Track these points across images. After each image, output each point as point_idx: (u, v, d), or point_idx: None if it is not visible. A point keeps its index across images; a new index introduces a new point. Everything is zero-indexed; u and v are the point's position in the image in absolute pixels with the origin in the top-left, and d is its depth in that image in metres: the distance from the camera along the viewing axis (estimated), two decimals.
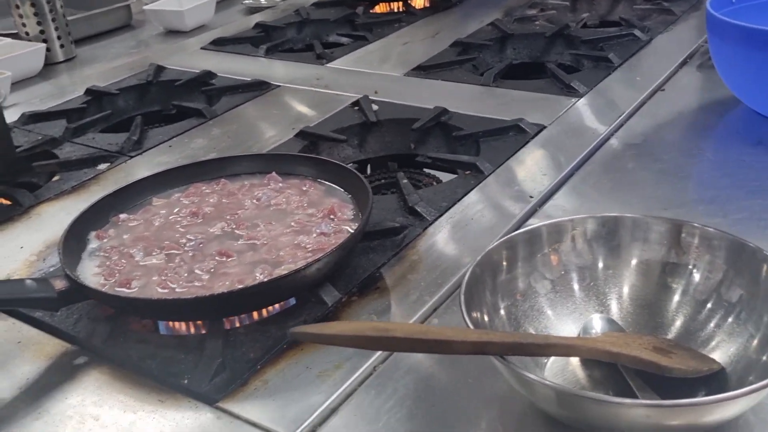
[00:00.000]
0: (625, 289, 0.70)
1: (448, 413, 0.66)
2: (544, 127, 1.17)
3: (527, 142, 1.13)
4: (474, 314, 0.64)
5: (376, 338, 0.51)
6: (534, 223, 0.93)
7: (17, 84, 1.57)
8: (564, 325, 0.70)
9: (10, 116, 1.38)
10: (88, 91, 1.49)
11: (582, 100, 1.26)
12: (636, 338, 0.66)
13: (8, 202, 1.13)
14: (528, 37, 1.59)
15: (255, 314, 0.81)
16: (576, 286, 0.71)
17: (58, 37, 1.75)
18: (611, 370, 0.66)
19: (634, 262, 0.71)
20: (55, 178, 1.17)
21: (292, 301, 0.82)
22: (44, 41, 1.71)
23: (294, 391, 0.70)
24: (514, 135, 1.15)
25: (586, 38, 1.52)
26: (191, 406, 0.70)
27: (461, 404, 0.67)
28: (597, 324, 0.71)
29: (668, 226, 0.71)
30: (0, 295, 0.74)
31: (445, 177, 1.21)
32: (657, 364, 0.60)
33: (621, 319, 0.70)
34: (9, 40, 1.72)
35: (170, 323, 0.82)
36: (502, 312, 0.68)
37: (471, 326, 0.61)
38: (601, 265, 0.71)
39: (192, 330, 0.81)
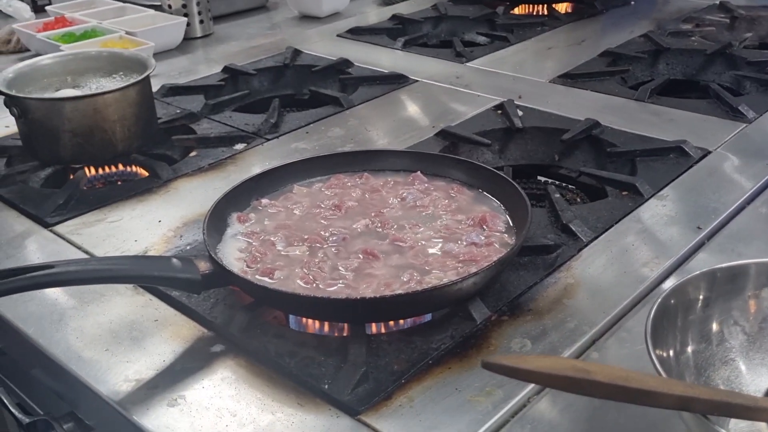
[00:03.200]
0: None
1: None
2: (709, 152, 1.08)
3: (691, 167, 1.04)
4: (659, 352, 0.57)
5: (576, 380, 0.45)
6: (704, 257, 0.85)
7: (156, 56, 1.58)
8: (753, 379, 0.62)
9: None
10: (226, 69, 1.48)
11: (750, 126, 1.16)
12: None
13: (146, 173, 1.12)
14: (684, 53, 1.48)
15: (393, 323, 0.76)
16: None
17: (199, 13, 1.76)
18: None
19: None
20: (192, 153, 1.16)
21: (429, 316, 0.77)
22: (185, 15, 1.72)
23: (441, 414, 0.65)
24: (676, 157, 1.06)
25: (751, 59, 1.41)
26: (332, 414, 0.65)
27: None
28: None
29: None
30: (148, 272, 0.72)
31: (590, 195, 1.13)
32: None
33: None
34: (152, 11, 1.74)
35: (303, 320, 0.78)
36: (690, 354, 0.60)
37: (658, 364, 0.54)
38: None
39: (327, 330, 0.77)
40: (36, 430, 0.79)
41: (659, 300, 0.59)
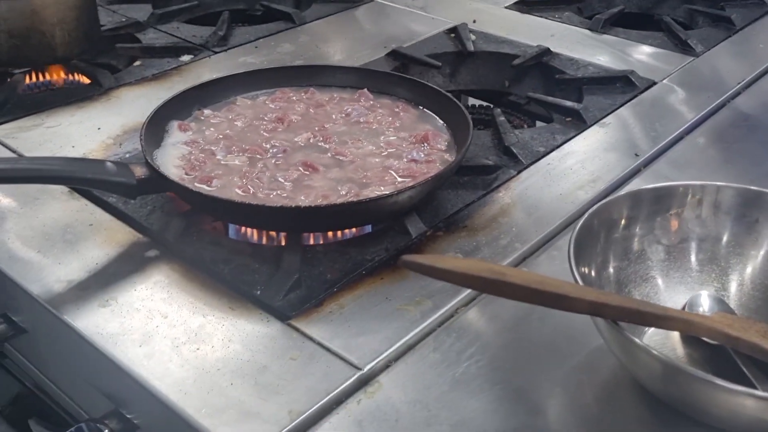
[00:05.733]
0: (749, 270, 0.64)
1: (533, 370, 0.62)
2: (655, 83, 1.09)
3: (635, 96, 1.05)
4: (582, 269, 0.59)
5: (491, 281, 0.46)
6: (637, 183, 0.87)
7: None
8: (671, 296, 0.65)
9: None
10: None
11: (698, 60, 1.17)
12: (751, 323, 0.60)
13: (88, 81, 1.10)
14: None
15: (331, 234, 0.77)
16: (693, 257, 0.65)
17: None
18: (713, 353, 0.61)
19: None
20: (137, 63, 1.14)
21: (369, 227, 0.78)
22: None
23: (371, 320, 0.66)
24: (622, 87, 1.07)
25: None
26: (262, 318, 0.66)
27: (549, 363, 0.62)
28: (705, 301, 0.65)
29: None
30: (81, 174, 0.71)
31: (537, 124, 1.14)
32: None
33: (736, 301, 0.64)
34: None
35: (242, 229, 0.79)
36: (611, 271, 0.62)
37: (579, 280, 0.56)
38: (725, 239, 0.64)
39: (265, 240, 0.77)
40: None
41: (583, 219, 0.60)
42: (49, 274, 0.71)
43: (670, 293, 0.65)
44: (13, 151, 0.90)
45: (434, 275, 0.48)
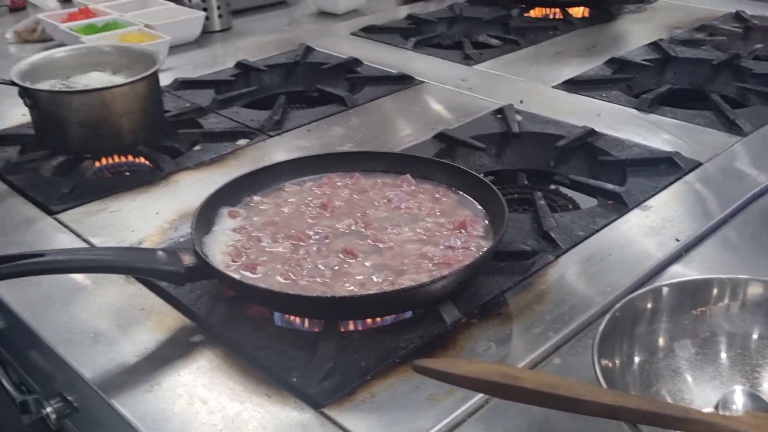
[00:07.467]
0: None
1: None
2: (700, 164, 1.09)
3: (679, 178, 1.05)
4: (605, 362, 0.59)
5: (504, 386, 0.48)
6: (677, 270, 0.87)
7: (174, 49, 1.62)
8: (702, 393, 0.64)
9: (164, 80, 1.42)
10: (239, 65, 1.52)
11: (745, 140, 1.16)
12: None
13: (150, 165, 1.17)
14: (692, 63, 1.49)
15: (370, 320, 0.79)
16: (722, 353, 0.64)
17: (218, 7, 1.80)
18: None
19: None
20: (197, 147, 1.20)
21: (409, 312, 0.80)
22: (204, 9, 1.76)
23: (402, 410, 0.68)
24: (666, 168, 1.08)
25: (758, 71, 1.41)
26: (296, 406, 0.69)
27: None
28: (739, 398, 0.64)
29: None
30: (133, 263, 0.76)
31: (581, 199, 1.15)
32: None
33: None
34: (172, 5, 1.78)
35: (286, 315, 0.82)
36: (636, 366, 0.63)
37: (600, 375, 0.56)
38: (756, 335, 0.64)
39: (306, 325, 0.80)
40: (29, 407, 0.84)
41: (609, 313, 0.61)
42: (101, 357, 0.75)
43: (700, 390, 0.64)
44: (78, 236, 0.96)
45: (446, 380, 0.49)
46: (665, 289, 0.64)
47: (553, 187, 1.19)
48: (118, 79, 1.18)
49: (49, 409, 0.80)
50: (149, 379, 0.72)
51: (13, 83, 1.10)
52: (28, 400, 0.82)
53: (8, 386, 0.88)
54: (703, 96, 1.45)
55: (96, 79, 1.18)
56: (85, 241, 0.95)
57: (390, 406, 0.68)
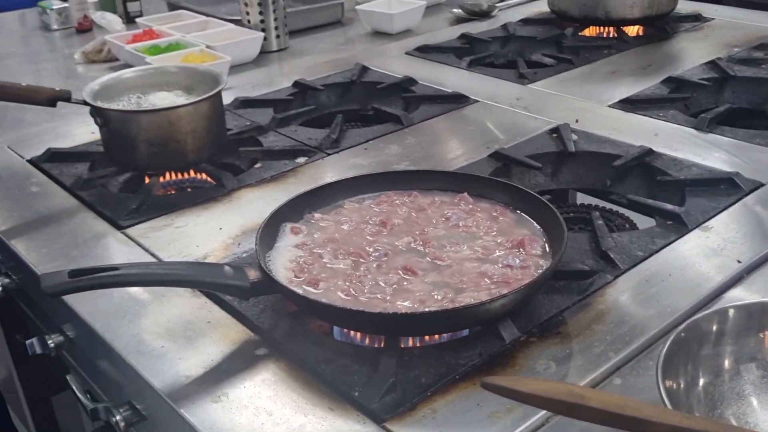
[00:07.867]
0: None
1: None
2: (762, 185, 1.08)
3: (740, 199, 1.04)
4: (669, 383, 0.60)
5: (571, 405, 0.49)
6: (738, 292, 0.86)
7: (234, 68, 1.67)
8: (767, 416, 0.64)
9: (225, 99, 1.45)
10: (296, 84, 1.56)
11: None
12: None
13: (213, 182, 1.20)
14: (751, 81, 1.47)
15: (428, 337, 0.81)
16: None
17: (276, 28, 1.84)
18: None
19: None
20: (257, 165, 1.24)
21: (466, 330, 0.81)
22: (263, 30, 1.81)
23: (462, 426, 0.69)
24: (726, 189, 1.07)
25: None
26: (359, 420, 0.70)
27: None
28: None
29: None
30: (202, 278, 0.79)
31: (638, 219, 1.14)
32: None
33: None
34: (231, 25, 1.83)
35: (345, 330, 0.83)
36: (700, 388, 0.63)
37: (665, 396, 0.57)
38: None
39: (367, 341, 0.82)
40: (99, 415, 0.87)
41: (673, 335, 0.62)
42: (170, 368, 0.78)
43: (765, 413, 0.64)
44: (146, 250, 1.00)
45: (515, 398, 0.50)
46: (731, 311, 0.64)
47: (609, 206, 1.19)
48: (184, 99, 1.22)
49: (118, 417, 0.83)
50: (216, 390, 0.75)
51: (86, 103, 1.15)
52: (99, 407, 0.86)
53: (79, 394, 0.92)
54: (763, 115, 1.43)
55: (163, 98, 1.23)
56: (152, 255, 0.99)
57: (451, 422, 0.69)
